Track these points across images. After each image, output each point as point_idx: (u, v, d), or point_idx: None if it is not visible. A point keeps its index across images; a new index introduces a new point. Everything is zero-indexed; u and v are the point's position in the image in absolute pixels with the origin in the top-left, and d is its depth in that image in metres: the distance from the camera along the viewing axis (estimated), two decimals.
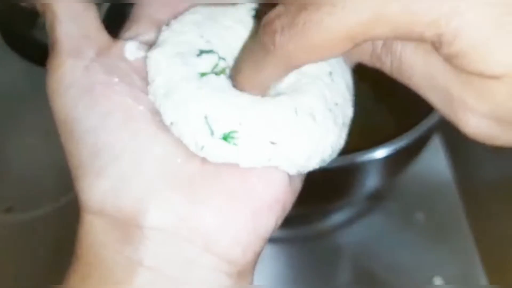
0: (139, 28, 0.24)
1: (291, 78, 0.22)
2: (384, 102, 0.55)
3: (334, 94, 0.22)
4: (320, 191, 0.45)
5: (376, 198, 0.55)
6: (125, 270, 0.20)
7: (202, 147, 0.20)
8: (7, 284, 0.47)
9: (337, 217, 0.53)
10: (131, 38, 0.23)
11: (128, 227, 0.20)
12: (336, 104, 0.22)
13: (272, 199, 0.21)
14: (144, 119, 0.21)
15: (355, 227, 0.53)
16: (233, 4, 0.24)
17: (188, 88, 0.21)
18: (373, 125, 0.55)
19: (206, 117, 0.20)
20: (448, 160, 0.58)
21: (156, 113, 0.21)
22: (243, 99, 0.21)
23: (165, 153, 0.20)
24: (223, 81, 0.22)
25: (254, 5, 0.24)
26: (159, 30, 0.23)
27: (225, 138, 0.20)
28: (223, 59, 0.22)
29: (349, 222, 0.53)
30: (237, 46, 0.23)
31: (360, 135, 0.52)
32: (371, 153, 0.39)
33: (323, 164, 0.22)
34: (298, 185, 0.23)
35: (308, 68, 0.23)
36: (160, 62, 0.22)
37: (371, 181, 0.47)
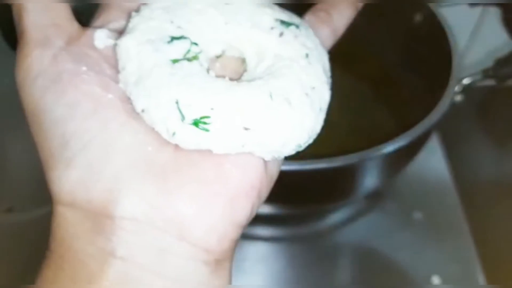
0: (108, 16, 0.23)
1: (266, 61, 0.22)
2: (384, 102, 0.55)
3: (310, 78, 0.22)
4: (320, 190, 0.45)
5: (375, 198, 0.55)
6: (98, 262, 0.19)
7: (174, 133, 0.20)
8: (7, 283, 0.47)
9: (336, 217, 0.53)
10: (101, 27, 0.23)
11: (99, 218, 0.19)
12: (313, 88, 0.22)
13: (248, 185, 0.20)
14: (113, 107, 0.20)
15: (354, 227, 0.53)
16: None
17: (160, 74, 0.21)
18: (373, 125, 0.55)
19: (177, 102, 0.20)
20: (446, 159, 0.59)
21: (126, 101, 0.21)
22: (217, 84, 0.20)
23: (136, 141, 0.20)
24: (196, 66, 0.21)
25: None
26: (128, 18, 0.23)
27: (197, 123, 0.20)
28: (195, 44, 0.22)
29: (348, 221, 0.53)
30: (210, 30, 0.22)
31: (360, 135, 0.53)
32: (370, 152, 0.39)
33: (299, 149, 0.21)
34: (274, 171, 0.22)
35: (284, 51, 0.22)
36: (130, 49, 0.21)
37: (370, 181, 0.47)
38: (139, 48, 0.21)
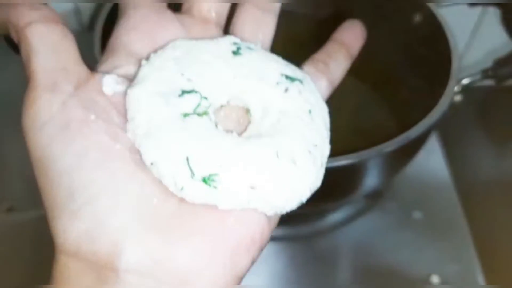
0: (116, 61, 0.23)
1: (272, 116, 0.22)
2: (383, 102, 0.55)
3: (313, 134, 0.22)
4: (319, 190, 0.45)
5: (375, 197, 0.55)
6: None
7: (182, 188, 0.20)
8: (8, 283, 0.47)
9: (336, 216, 0.53)
10: (108, 71, 0.22)
11: (103, 270, 0.19)
12: (315, 145, 0.22)
13: (250, 240, 0.20)
14: (121, 158, 0.20)
15: (354, 226, 0.53)
16: (214, 38, 0.24)
17: (171, 129, 0.21)
18: (372, 124, 0.55)
19: (187, 159, 0.20)
20: (446, 159, 0.59)
21: (134, 151, 0.21)
22: (226, 141, 0.21)
23: (142, 193, 0.20)
24: (205, 121, 0.22)
25: (235, 39, 0.24)
26: (137, 63, 0.23)
27: (205, 180, 0.20)
28: (205, 98, 0.22)
29: (348, 221, 0.54)
30: (218, 83, 0.23)
31: (359, 135, 0.53)
32: (369, 152, 0.39)
33: (300, 204, 0.22)
34: (275, 222, 0.22)
35: (289, 106, 0.23)
36: (141, 100, 0.21)
37: (370, 181, 0.47)
38: (150, 100, 0.21)
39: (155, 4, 0.24)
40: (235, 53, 0.23)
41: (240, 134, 0.23)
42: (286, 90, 0.23)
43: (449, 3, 0.53)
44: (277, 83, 0.23)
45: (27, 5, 0.21)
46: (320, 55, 0.28)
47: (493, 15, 0.60)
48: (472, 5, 0.56)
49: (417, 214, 0.55)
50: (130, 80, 0.22)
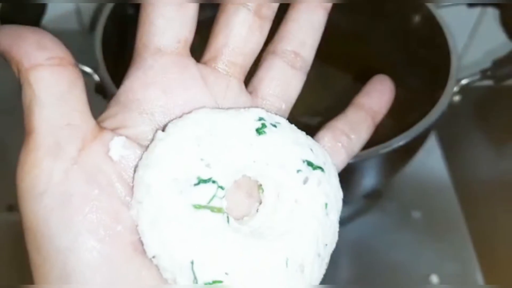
0: (127, 119, 0.20)
1: (286, 206, 0.21)
2: None
3: (326, 234, 0.22)
4: None
5: (374, 197, 0.55)
6: None
7: None
8: (7, 283, 0.47)
9: None
10: (117, 128, 0.20)
11: None
12: (326, 245, 0.21)
13: None
14: (120, 241, 0.19)
15: (353, 226, 0.54)
16: (240, 110, 0.22)
17: (180, 223, 0.19)
18: None
19: (192, 263, 0.19)
20: (444, 159, 0.59)
21: (134, 232, 0.19)
22: (235, 243, 0.20)
23: (138, 278, 0.19)
24: (217, 219, 0.20)
25: (261, 113, 0.22)
26: (150, 123, 0.20)
27: (208, 285, 0.19)
28: (221, 188, 0.20)
29: (347, 220, 0.54)
30: (237, 168, 0.21)
31: None
32: (369, 152, 0.39)
33: None
34: None
35: (305, 199, 0.21)
36: (153, 186, 0.19)
37: (369, 180, 0.48)
38: (163, 187, 0.19)
39: (178, 51, 0.21)
40: (259, 131, 0.21)
41: (250, 219, 0.22)
42: (305, 181, 0.22)
43: (448, 3, 0.53)
44: (297, 171, 0.22)
45: (35, 43, 0.19)
46: (342, 125, 0.25)
47: (492, 15, 0.60)
48: (471, 5, 0.56)
49: (416, 214, 0.55)
50: (139, 143, 0.20)
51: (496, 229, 0.55)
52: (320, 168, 0.22)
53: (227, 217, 0.20)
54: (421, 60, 0.52)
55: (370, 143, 0.40)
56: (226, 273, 0.19)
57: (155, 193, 0.19)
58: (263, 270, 0.20)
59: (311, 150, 0.22)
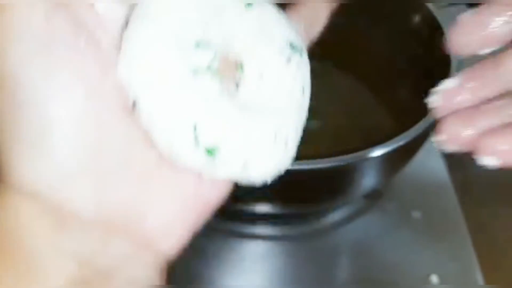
0: None
1: (268, 85, 0.22)
2: (382, 103, 0.55)
3: (302, 115, 0.23)
4: (319, 190, 0.45)
5: (374, 197, 0.55)
6: (55, 264, 0.17)
7: (177, 154, 0.19)
8: None
9: (335, 216, 0.54)
10: None
11: (63, 214, 0.17)
12: (302, 125, 0.23)
13: (215, 202, 0.21)
14: (109, 98, 0.17)
15: (353, 226, 0.54)
16: None
17: (182, 88, 0.18)
18: (371, 125, 0.55)
19: (195, 126, 0.18)
20: (444, 159, 0.59)
21: (121, 90, 0.18)
22: (231, 109, 0.20)
23: (126, 141, 0.18)
24: (216, 85, 0.20)
25: None
26: None
27: (209, 151, 0.19)
28: (217, 52, 0.20)
29: (347, 220, 0.54)
30: (229, 38, 0.21)
31: (359, 135, 0.53)
32: (369, 152, 0.39)
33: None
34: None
35: (287, 79, 0.22)
36: (152, 43, 0.18)
37: (369, 180, 0.48)
38: (162, 43, 0.18)
39: None
40: (248, 5, 0.21)
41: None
42: (288, 61, 0.22)
43: (448, 4, 0.53)
44: (281, 51, 0.22)
45: None
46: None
47: None
48: (471, 5, 0.56)
49: (416, 214, 0.55)
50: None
51: (496, 229, 0.55)
52: (300, 52, 0.23)
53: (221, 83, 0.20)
54: (421, 61, 0.52)
55: (370, 143, 0.40)
56: (223, 138, 0.19)
57: (154, 51, 0.18)
58: (256, 139, 0.20)
59: (294, 31, 0.23)
